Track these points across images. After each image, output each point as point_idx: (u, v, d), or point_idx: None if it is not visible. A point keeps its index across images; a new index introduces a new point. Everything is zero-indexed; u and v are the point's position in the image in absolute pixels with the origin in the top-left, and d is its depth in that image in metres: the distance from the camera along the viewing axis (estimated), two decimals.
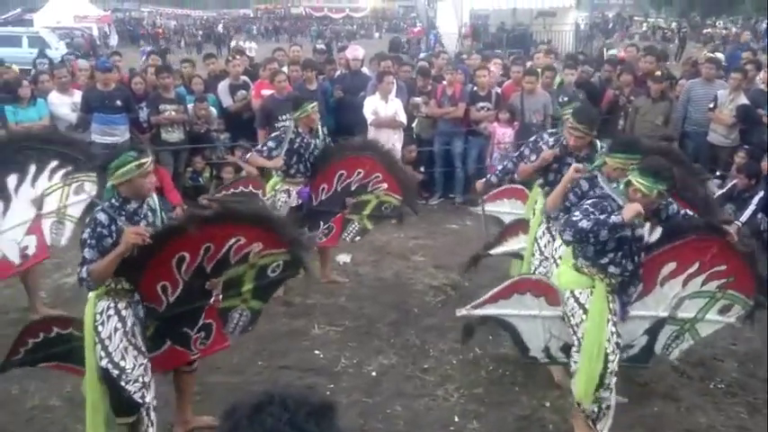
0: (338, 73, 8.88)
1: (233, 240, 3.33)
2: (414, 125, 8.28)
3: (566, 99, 7.80)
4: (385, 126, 7.29)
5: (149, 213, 3.29)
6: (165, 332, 3.43)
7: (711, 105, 7.48)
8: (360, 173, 5.36)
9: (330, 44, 16.15)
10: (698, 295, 3.74)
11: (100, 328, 3.19)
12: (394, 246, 6.71)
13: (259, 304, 3.60)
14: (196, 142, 7.71)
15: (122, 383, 3.15)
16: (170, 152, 7.58)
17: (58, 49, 21.31)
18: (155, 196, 3.34)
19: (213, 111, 7.82)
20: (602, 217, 3.30)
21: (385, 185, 5.40)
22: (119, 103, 7.28)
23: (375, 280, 5.81)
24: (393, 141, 7.34)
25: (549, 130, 4.81)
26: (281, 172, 5.32)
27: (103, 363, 3.18)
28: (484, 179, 5.02)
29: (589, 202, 3.45)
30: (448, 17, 24.88)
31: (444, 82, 8.15)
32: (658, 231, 3.60)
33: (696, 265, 3.68)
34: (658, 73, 7.88)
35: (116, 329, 3.19)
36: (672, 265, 3.70)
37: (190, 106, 7.73)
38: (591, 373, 3.43)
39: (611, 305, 3.51)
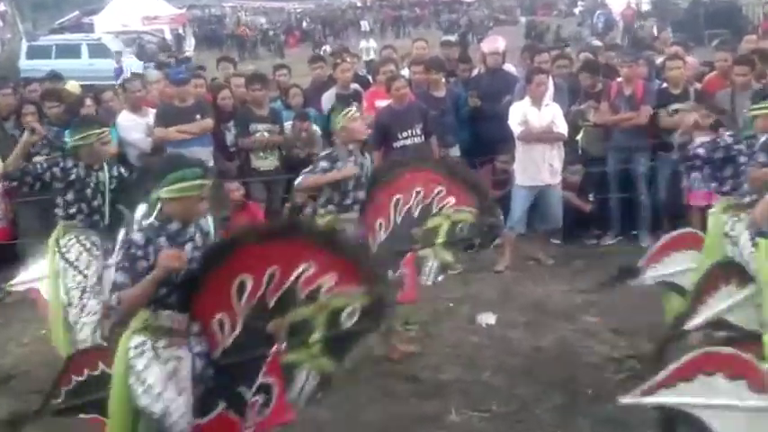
0: (474, 73, 9.02)
1: (302, 267, 3.45)
2: (578, 138, 8.25)
3: None
4: (538, 140, 7.32)
5: (198, 236, 3.62)
6: (217, 390, 3.58)
7: None
8: (419, 192, 5.37)
9: (465, 36, 16.32)
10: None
11: (135, 361, 3.46)
12: (555, 302, 6.66)
13: (330, 365, 3.60)
14: (295, 170, 8.02)
15: (168, 418, 3.39)
16: (263, 183, 7.99)
17: (123, 60, 23.11)
18: (210, 219, 3.69)
19: (316, 130, 8.16)
20: None
21: (452, 200, 5.33)
22: (198, 118, 7.77)
23: (531, 349, 5.79)
24: (551, 159, 7.37)
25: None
26: (333, 206, 5.47)
27: (143, 400, 3.41)
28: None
29: None
30: None
31: (620, 78, 8.07)
32: None
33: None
34: None
35: (154, 360, 3.46)
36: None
37: (287, 125, 8.14)
38: None
39: None
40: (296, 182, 5.61)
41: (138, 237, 3.47)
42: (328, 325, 3.52)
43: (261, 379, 3.53)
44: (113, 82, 12.02)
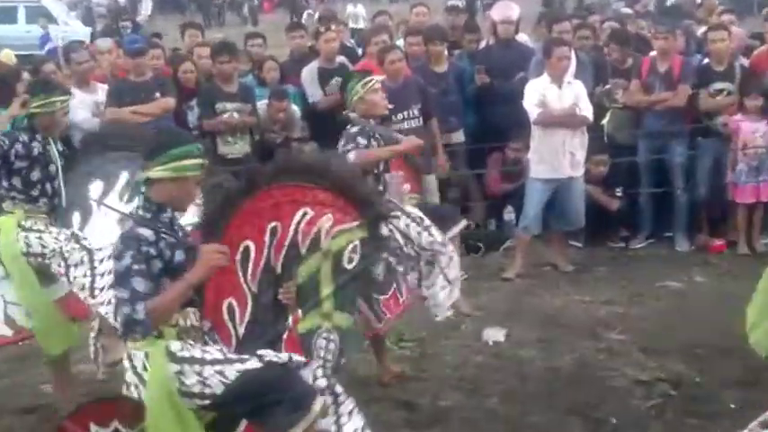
0: (483, 45, 9.03)
1: (300, 213, 3.54)
2: (604, 122, 8.29)
3: None
4: (559, 124, 7.34)
5: (177, 223, 3.63)
6: None
7: None
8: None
9: (473, 1, 16.18)
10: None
11: (187, 353, 3.38)
12: (574, 315, 6.67)
13: (346, 321, 3.64)
14: (270, 157, 8.03)
15: (271, 362, 3.33)
16: (231, 173, 7.97)
17: (68, 24, 22.97)
18: None
19: (295, 110, 8.19)
20: None
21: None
22: (158, 95, 7.75)
23: (546, 371, 5.78)
24: (572, 148, 7.39)
25: None
26: None
27: (230, 371, 3.30)
28: None
29: None
30: None
31: (653, 52, 8.11)
32: None
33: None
34: None
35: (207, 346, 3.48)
36: None
37: (260, 104, 8.13)
38: None
39: None
40: (348, 158, 5.45)
41: (146, 232, 3.37)
42: (334, 273, 3.60)
43: None
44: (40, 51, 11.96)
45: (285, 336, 3.58)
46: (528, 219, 7.58)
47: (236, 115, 7.91)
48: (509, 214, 8.36)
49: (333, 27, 8.76)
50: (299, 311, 3.57)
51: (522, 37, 9.06)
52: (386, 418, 5.13)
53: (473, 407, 5.33)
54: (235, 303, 3.55)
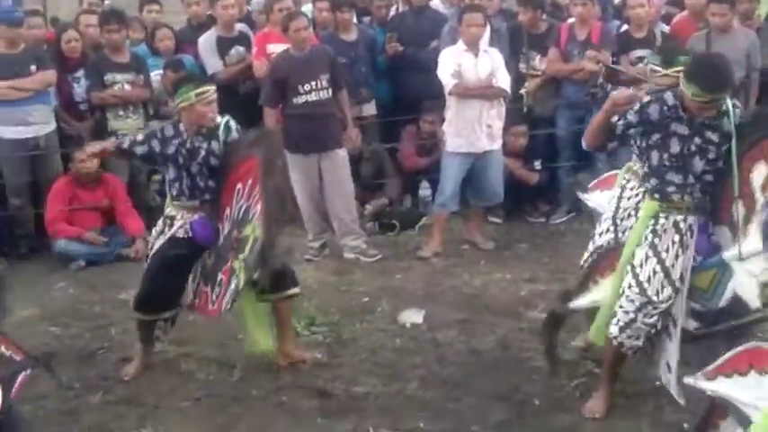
0: (393, 12, 9.04)
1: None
2: (523, 91, 8.36)
3: None
4: (475, 96, 7.38)
5: None
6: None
7: None
8: (249, 182, 5.20)
9: None
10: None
11: None
12: (495, 295, 6.75)
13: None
14: None
15: None
16: None
17: None
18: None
19: None
20: None
21: (259, 207, 5.13)
22: (33, 69, 7.57)
23: (467, 353, 5.85)
24: (489, 120, 7.44)
25: None
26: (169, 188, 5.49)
27: None
28: None
29: None
30: None
31: (572, 19, 8.22)
32: None
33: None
34: None
35: None
36: None
37: (154, 75, 8.05)
38: None
39: None
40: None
41: None
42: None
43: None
44: None
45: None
46: (445, 195, 7.62)
47: (127, 87, 7.82)
48: (425, 190, 8.40)
49: None
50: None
51: (436, 3, 9.08)
52: (298, 407, 5.16)
53: (390, 393, 5.36)
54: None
